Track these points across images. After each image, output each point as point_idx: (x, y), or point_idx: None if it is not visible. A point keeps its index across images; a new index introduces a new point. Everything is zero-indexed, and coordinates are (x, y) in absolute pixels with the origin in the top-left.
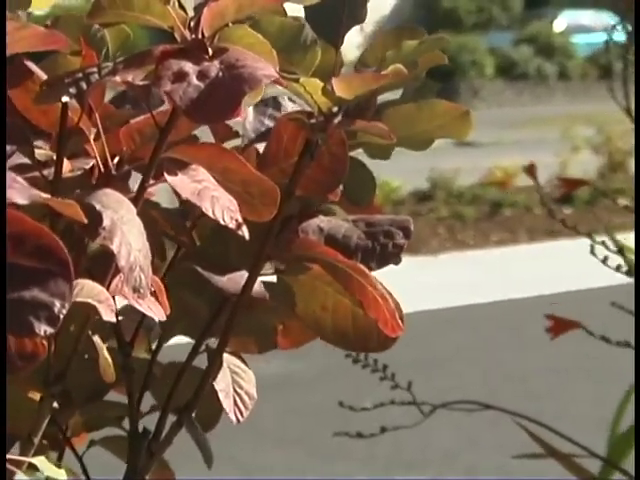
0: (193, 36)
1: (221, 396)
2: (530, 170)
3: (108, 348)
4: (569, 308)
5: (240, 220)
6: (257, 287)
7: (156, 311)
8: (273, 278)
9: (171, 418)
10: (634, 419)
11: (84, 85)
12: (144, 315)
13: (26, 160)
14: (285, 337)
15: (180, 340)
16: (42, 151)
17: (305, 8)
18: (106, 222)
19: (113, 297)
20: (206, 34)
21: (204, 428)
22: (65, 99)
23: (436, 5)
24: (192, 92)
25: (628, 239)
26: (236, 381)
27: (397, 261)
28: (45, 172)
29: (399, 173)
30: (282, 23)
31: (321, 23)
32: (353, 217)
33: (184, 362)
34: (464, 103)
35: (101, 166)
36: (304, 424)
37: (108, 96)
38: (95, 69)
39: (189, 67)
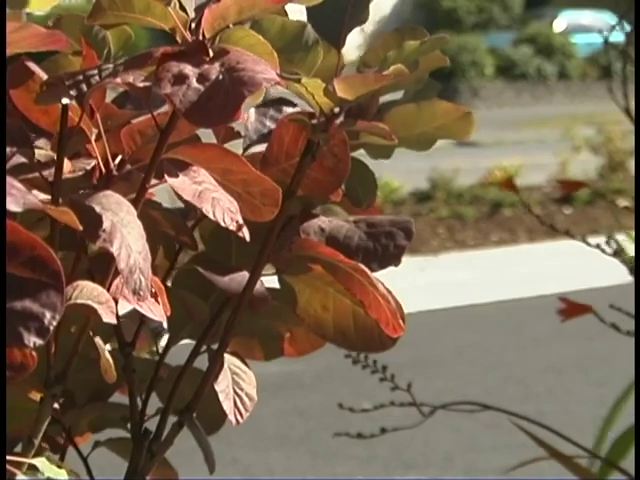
0: (194, 38)
1: (221, 397)
2: (508, 184)
3: (112, 349)
4: None
5: (241, 221)
6: (259, 287)
7: (156, 312)
8: (274, 278)
9: (173, 419)
10: (634, 419)
11: (84, 86)
12: (145, 316)
13: (26, 161)
14: (291, 345)
15: (186, 340)
16: (43, 151)
17: (307, 9)
18: (106, 224)
19: (114, 299)
20: (207, 35)
21: (208, 431)
22: (65, 101)
23: (436, 5)
24: (192, 95)
25: (628, 239)
26: (236, 382)
27: (397, 263)
28: (45, 173)
29: (399, 173)
30: (283, 23)
31: (323, 24)
32: (354, 218)
33: (185, 363)
34: (464, 103)
35: (102, 166)
36: (305, 425)
37: (110, 96)
38: (95, 70)
39: (189, 69)
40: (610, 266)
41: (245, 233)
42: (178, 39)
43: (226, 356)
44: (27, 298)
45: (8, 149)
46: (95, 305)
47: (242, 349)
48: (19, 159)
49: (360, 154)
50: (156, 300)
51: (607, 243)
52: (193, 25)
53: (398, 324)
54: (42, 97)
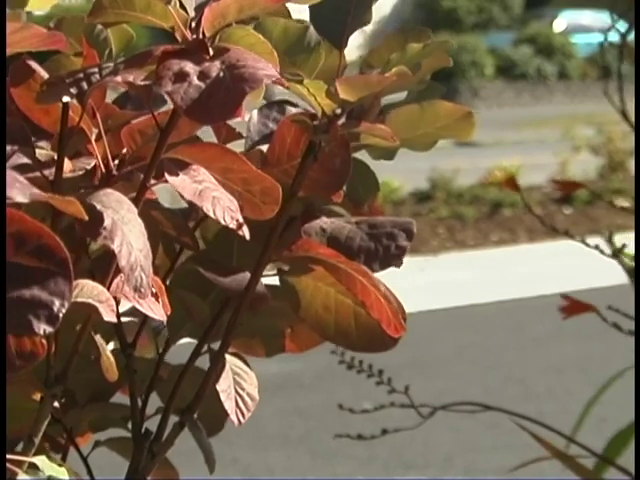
0: (194, 36)
1: (223, 397)
2: (510, 184)
3: (113, 349)
4: None
5: (241, 220)
6: (260, 288)
7: (157, 311)
8: (276, 279)
9: (174, 419)
10: (634, 418)
11: (85, 85)
12: (147, 316)
13: (27, 160)
14: (293, 341)
15: (187, 340)
16: (43, 151)
17: (310, 10)
18: (107, 222)
19: (114, 297)
20: (207, 34)
21: (209, 432)
22: (66, 99)
23: (436, 5)
24: (193, 92)
25: (628, 239)
26: (238, 382)
27: (399, 263)
28: (46, 172)
29: (399, 173)
30: (286, 25)
31: (325, 25)
32: (356, 218)
33: (186, 363)
34: (464, 103)
35: (102, 166)
36: (305, 425)
37: (111, 96)
38: (96, 69)
39: (190, 67)
40: (610, 266)
41: (245, 232)
42: (178, 38)
43: (227, 356)
44: (35, 286)
45: (9, 148)
46: (96, 304)
47: (243, 346)
48: (20, 158)
49: (361, 154)
50: (156, 299)
51: (608, 242)
52: (193, 24)
53: (399, 324)
54: (43, 96)
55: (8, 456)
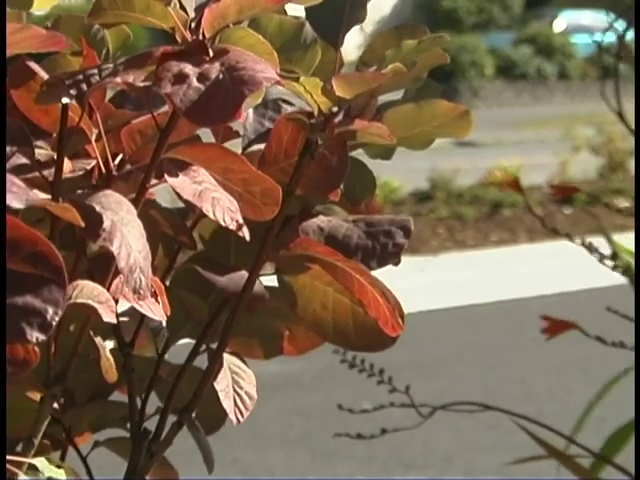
0: (194, 37)
1: (221, 396)
2: (513, 184)
3: (111, 349)
4: (569, 308)
5: (241, 221)
6: (257, 287)
7: (156, 312)
8: (273, 278)
9: (172, 419)
10: (634, 418)
11: (85, 86)
12: (144, 315)
13: (26, 161)
14: (291, 344)
15: (186, 340)
16: (43, 151)
17: (306, 8)
18: (106, 223)
19: (114, 298)
20: (207, 35)
21: (208, 431)
22: (65, 101)
23: (436, 5)
24: (192, 94)
25: (628, 239)
26: (236, 381)
27: (397, 262)
28: (46, 172)
29: (399, 173)
30: (281, 21)
31: (321, 23)
32: (353, 217)
33: (184, 363)
34: (464, 103)
35: (102, 166)
36: (304, 424)
37: (109, 95)
38: (96, 70)
39: (189, 69)
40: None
41: (245, 233)
42: (178, 39)
43: (225, 355)
44: (29, 294)
45: (8, 148)
46: (95, 304)
47: (241, 348)
48: (19, 159)
49: (359, 153)
50: (156, 300)
51: (609, 243)
52: (193, 25)
53: (397, 323)
54: (42, 97)
55: (8, 457)
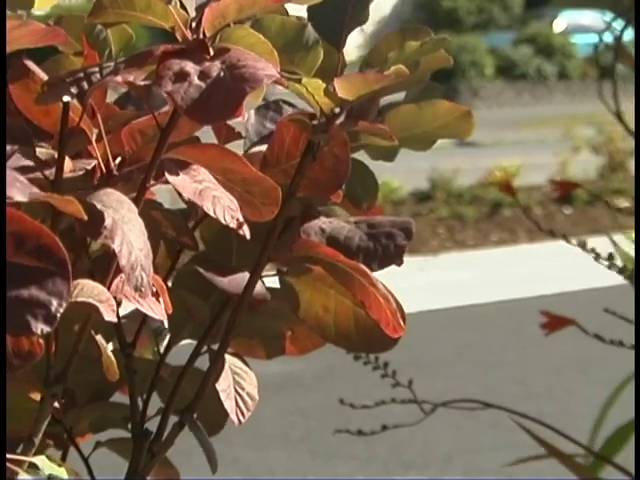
0: (194, 36)
1: (223, 397)
2: (506, 187)
3: (113, 349)
4: (568, 308)
5: (241, 219)
6: (259, 288)
7: (157, 311)
8: (275, 279)
9: (173, 419)
10: (634, 418)
11: (85, 85)
12: (146, 316)
13: (27, 161)
14: (292, 344)
15: (187, 340)
16: (44, 150)
17: (307, 9)
18: (107, 221)
19: (114, 297)
20: (207, 34)
21: (209, 432)
22: (66, 99)
23: (436, 5)
24: (193, 92)
25: (628, 239)
26: (237, 382)
27: (400, 262)
28: (47, 172)
29: (399, 173)
30: (283, 22)
31: (323, 24)
32: (355, 218)
33: (186, 363)
34: (464, 103)
35: (103, 166)
36: (305, 424)
37: (112, 97)
38: (97, 69)
39: (190, 67)
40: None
41: (245, 231)
42: (179, 38)
43: (227, 356)
44: (33, 286)
45: (9, 148)
46: (96, 303)
47: (243, 348)
48: (20, 158)
49: (360, 155)
50: (157, 299)
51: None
52: (194, 24)
53: (398, 324)
54: (43, 97)
55: (8, 456)
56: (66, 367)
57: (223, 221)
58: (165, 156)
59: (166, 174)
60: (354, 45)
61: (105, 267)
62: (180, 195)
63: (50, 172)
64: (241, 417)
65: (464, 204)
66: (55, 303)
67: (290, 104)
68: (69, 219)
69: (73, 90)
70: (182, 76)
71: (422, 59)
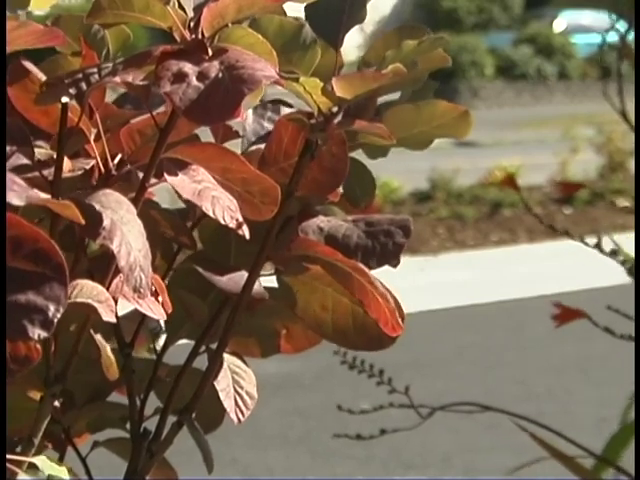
0: (193, 36)
1: (222, 396)
2: (510, 182)
3: (111, 349)
4: None
5: (240, 219)
6: (257, 287)
7: (156, 311)
8: (273, 278)
9: (172, 419)
10: (634, 418)
11: (84, 85)
12: (144, 316)
13: (26, 161)
14: (288, 342)
15: (185, 340)
16: (42, 150)
17: (305, 9)
18: (106, 222)
19: (113, 298)
20: (206, 34)
21: (206, 429)
22: (65, 99)
23: (436, 5)
24: (192, 93)
25: (628, 239)
26: (236, 381)
27: (396, 263)
28: (45, 172)
29: (399, 173)
30: (281, 22)
31: (321, 23)
32: (353, 217)
33: (184, 363)
34: (464, 103)
35: (101, 166)
36: (304, 425)
37: (111, 97)
38: (95, 69)
39: (189, 68)
40: (610, 266)
41: (245, 231)
42: (177, 38)
43: (225, 355)
44: (31, 291)
45: (8, 148)
46: (94, 303)
47: (239, 347)
48: (19, 158)
49: (358, 154)
50: (156, 299)
51: (609, 244)
52: (192, 24)
53: (397, 323)
54: (42, 97)
55: (8, 456)
56: (66, 367)
57: (222, 221)
58: (164, 156)
59: (165, 174)
60: (353, 45)
61: (104, 267)
62: (178, 194)
63: (49, 172)
64: (240, 416)
65: (464, 204)
66: (52, 308)
67: (288, 103)
68: (68, 219)
69: (72, 90)
70: (180, 77)
71: (420, 58)
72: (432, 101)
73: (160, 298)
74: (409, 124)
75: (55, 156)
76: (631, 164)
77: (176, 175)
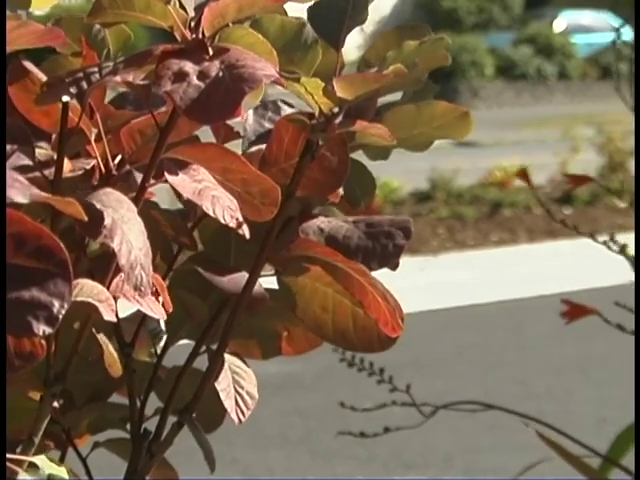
0: (193, 36)
1: (222, 396)
2: (523, 175)
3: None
4: None
5: (241, 219)
6: (257, 288)
7: (156, 310)
8: (273, 279)
9: (172, 419)
10: (634, 418)
11: (85, 85)
12: (145, 317)
13: (27, 161)
14: (289, 344)
15: (185, 341)
16: (43, 150)
17: (307, 9)
18: (107, 221)
19: (114, 297)
20: (206, 34)
21: (207, 429)
22: (65, 99)
23: (436, 5)
24: (192, 92)
25: (628, 239)
26: (237, 381)
27: (395, 265)
28: (46, 172)
29: (399, 173)
30: (283, 22)
31: (322, 24)
32: (353, 218)
33: (184, 363)
34: (464, 103)
35: (102, 166)
36: (304, 425)
37: (110, 96)
38: (96, 69)
39: (189, 67)
40: (610, 266)
41: (245, 231)
42: (178, 37)
43: (226, 355)
44: (35, 288)
45: (9, 148)
46: (95, 303)
47: (240, 348)
48: (19, 158)
49: (357, 154)
50: (156, 298)
51: (611, 241)
52: (193, 24)
53: (397, 324)
54: (42, 97)
55: (8, 456)
56: (66, 367)
57: (222, 221)
58: (164, 156)
59: (165, 174)
60: (354, 45)
61: (104, 267)
62: (179, 195)
63: (49, 172)
64: (241, 416)
65: (464, 204)
66: (57, 304)
67: (288, 104)
68: (69, 219)
69: (72, 90)
70: (181, 76)
71: (420, 58)
72: (432, 102)
73: (160, 298)
74: (409, 125)
75: (55, 156)
76: (631, 164)
77: (176, 175)
